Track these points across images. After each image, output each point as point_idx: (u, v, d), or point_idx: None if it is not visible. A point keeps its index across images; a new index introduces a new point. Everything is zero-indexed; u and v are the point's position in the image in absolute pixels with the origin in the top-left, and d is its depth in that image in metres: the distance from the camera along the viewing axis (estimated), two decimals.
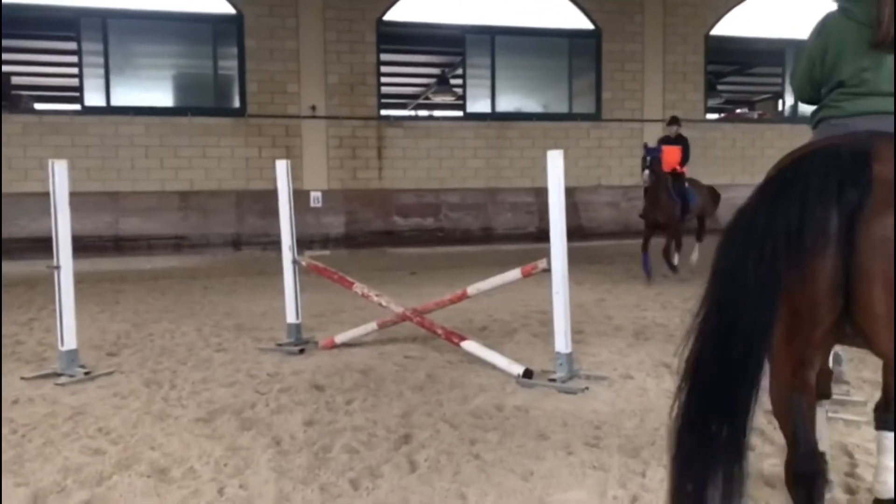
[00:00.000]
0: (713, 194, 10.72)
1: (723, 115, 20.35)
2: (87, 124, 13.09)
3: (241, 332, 6.70)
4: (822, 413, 3.19)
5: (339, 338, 5.99)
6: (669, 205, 9.52)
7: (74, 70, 13.73)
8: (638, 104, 15.82)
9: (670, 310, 7.42)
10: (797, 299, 2.06)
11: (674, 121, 10.26)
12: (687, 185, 9.96)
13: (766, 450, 3.47)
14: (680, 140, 9.97)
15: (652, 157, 9.25)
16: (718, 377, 2.10)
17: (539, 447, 3.63)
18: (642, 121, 15.83)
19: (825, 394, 3.17)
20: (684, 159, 9.88)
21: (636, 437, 3.74)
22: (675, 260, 9.88)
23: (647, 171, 9.22)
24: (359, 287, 5.95)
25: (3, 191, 12.43)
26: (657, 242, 9.87)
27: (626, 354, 5.55)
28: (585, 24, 15.51)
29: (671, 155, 9.68)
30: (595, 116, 15.63)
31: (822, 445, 3.10)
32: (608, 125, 15.63)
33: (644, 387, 4.67)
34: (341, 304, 7.81)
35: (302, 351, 5.85)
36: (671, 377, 4.85)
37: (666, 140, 10.09)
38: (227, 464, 3.48)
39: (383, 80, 15.37)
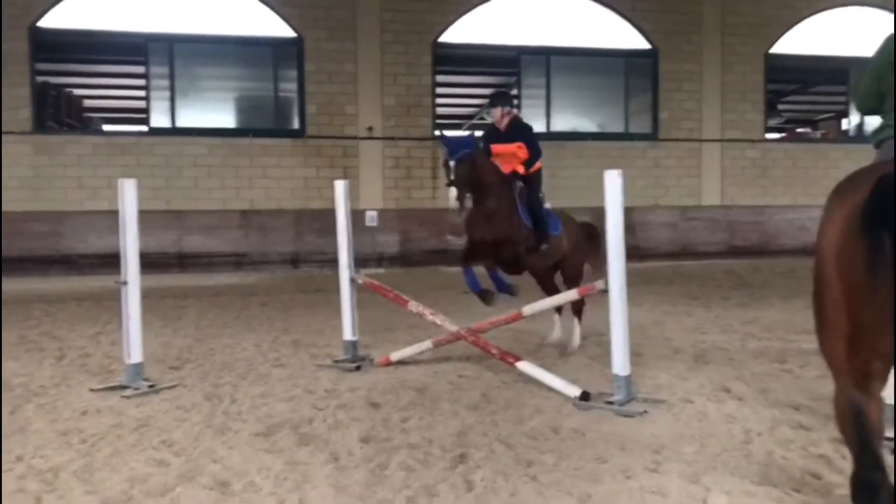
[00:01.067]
0: (589, 233, 6.88)
1: (784, 134, 19.92)
2: (154, 145, 13.56)
3: (298, 348, 6.81)
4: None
5: (395, 355, 6.03)
6: (507, 214, 5.86)
7: (142, 93, 14.27)
8: (696, 124, 15.61)
9: (730, 333, 7.25)
10: (861, 313, 2.18)
11: (499, 99, 6.33)
12: (547, 205, 6.37)
13: (833, 479, 3.36)
14: (517, 131, 6.18)
15: (458, 162, 5.50)
16: None
17: (597, 470, 3.59)
18: (700, 140, 15.60)
19: None
20: (532, 157, 6.13)
21: (696, 462, 3.66)
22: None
23: (453, 192, 5.48)
24: (414, 305, 5.99)
25: (75, 209, 12.96)
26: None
27: (686, 378, 5.45)
28: (642, 43, 15.42)
29: (508, 158, 6.13)
30: (652, 136, 15.48)
31: None
32: (665, 145, 15.46)
33: (704, 411, 4.57)
34: (396, 322, 7.86)
35: (358, 368, 5.90)
36: (732, 402, 4.76)
37: (493, 133, 6.29)
38: (286, 478, 3.53)
39: (438, 100, 15.54)
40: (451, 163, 5.53)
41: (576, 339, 6.54)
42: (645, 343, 6.66)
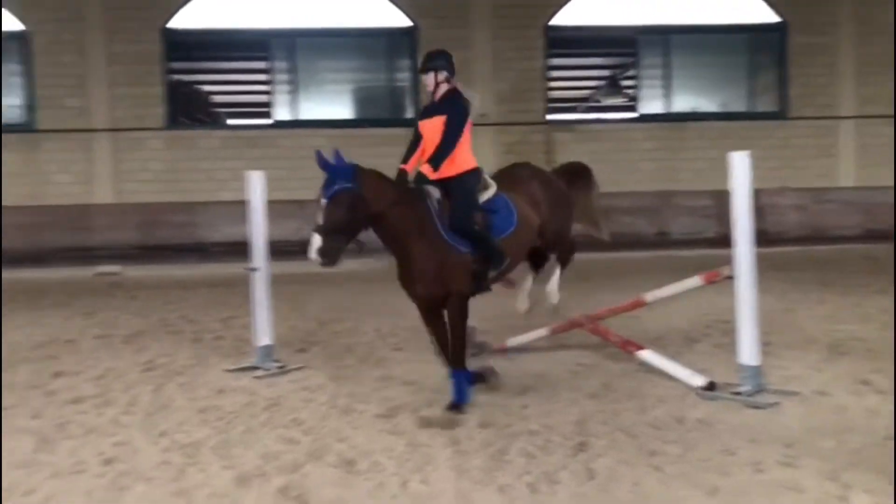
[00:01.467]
0: (578, 174, 5.86)
1: None
2: (277, 137, 14.14)
3: (416, 333, 6.88)
4: None
5: (511, 342, 6.04)
6: (433, 257, 4.43)
7: (265, 87, 14.90)
8: (829, 100, 14.69)
9: (869, 322, 6.78)
10: None
11: (431, 61, 4.92)
12: (491, 194, 4.82)
13: None
14: (450, 103, 4.78)
15: (331, 201, 4.17)
16: None
17: (724, 462, 3.46)
18: (836, 118, 14.66)
19: None
20: (443, 147, 4.58)
21: (835, 458, 3.46)
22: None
23: (315, 241, 4.10)
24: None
25: (206, 199, 13.72)
26: None
27: (821, 369, 5.15)
28: (770, 17, 14.62)
29: (434, 136, 4.68)
30: (779, 115, 14.69)
31: None
32: (795, 123, 14.64)
33: (842, 405, 4.31)
34: (512, 308, 7.84)
35: (475, 354, 5.93)
36: (873, 395, 4.46)
37: (425, 109, 5.03)
38: (408, 459, 3.61)
39: (552, 84, 15.34)
40: (323, 201, 4.09)
41: (553, 286, 5.59)
42: (774, 332, 6.32)
